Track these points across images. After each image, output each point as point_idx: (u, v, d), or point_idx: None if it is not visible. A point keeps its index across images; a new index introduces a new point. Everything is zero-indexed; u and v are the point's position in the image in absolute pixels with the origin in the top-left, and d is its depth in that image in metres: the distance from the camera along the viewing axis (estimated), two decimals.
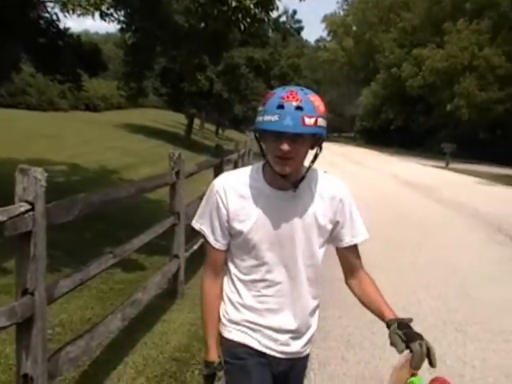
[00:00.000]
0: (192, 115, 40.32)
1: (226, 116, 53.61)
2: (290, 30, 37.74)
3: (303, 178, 2.46)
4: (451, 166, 34.41)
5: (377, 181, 21.29)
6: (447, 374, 5.02)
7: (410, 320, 2.41)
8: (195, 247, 8.04)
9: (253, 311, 2.58)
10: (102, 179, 14.23)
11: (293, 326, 2.58)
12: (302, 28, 43.76)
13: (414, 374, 2.26)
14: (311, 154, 2.46)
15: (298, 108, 2.25)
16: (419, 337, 2.29)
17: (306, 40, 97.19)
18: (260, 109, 2.35)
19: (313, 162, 2.46)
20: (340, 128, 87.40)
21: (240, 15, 8.39)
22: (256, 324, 2.58)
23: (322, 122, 2.31)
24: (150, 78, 35.75)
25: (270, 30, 32.52)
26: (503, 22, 46.87)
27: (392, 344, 2.35)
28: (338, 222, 2.55)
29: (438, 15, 51.17)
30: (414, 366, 2.25)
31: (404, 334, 2.31)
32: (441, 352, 5.57)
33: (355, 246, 2.63)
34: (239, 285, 2.60)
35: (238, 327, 2.60)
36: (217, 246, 2.58)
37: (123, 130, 30.98)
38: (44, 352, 3.46)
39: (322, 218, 2.51)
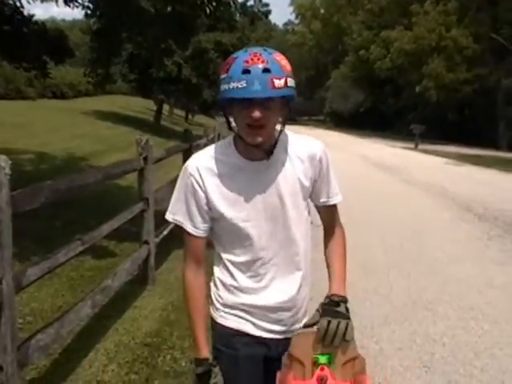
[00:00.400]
0: (161, 101, 40.11)
1: (195, 101, 53.35)
2: (258, 14, 37.61)
3: (276, 143, 2.33)
4: (420, 147, 34.60)
5: (346, 163, 21.34)
6: (417, 352, 5.15)
7: (343, 300, 2.31)
8: (165, 232, 8.02)
9: (249, 293, 2.44)
10: (71, 167, 14.10)
11: (291, 302, 2.46)
12: (269, 11, 43.91)
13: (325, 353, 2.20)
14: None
15: (266, 70, 2.11)
16: (335, 314, 2.21)
17: (275, 24, 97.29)
18: (223, 76, 2.19)
19: (283, 124, 2.34)
20: (309, 111, 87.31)
21: None
22: (252, 306, 2.44)
23: (291, 81, 2.18)
24: (117, 64, 35.43)
25: (238, 14, 32.35)
26: (470, 3, 47.11)
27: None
28: (316, 181, 2.44)
29: None
30: (323, 343, 2.20)
31: (323, 308, 2.25)
32: (411, 331, 5.68)
33: (333, 206, 2.55)
34: (232, 268, 2.46)
35: (234, 311, 2.48)
36: (196, 233, 2.43)
37: (92, 117, 30.70)
38: (13, 341, 3.44)
39: (305, 179, 2.40)
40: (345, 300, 2.32)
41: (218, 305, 2.53)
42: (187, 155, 10.24)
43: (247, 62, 2.13)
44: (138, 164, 6.58)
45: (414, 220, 11.38)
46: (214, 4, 8.42)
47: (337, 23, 67.66)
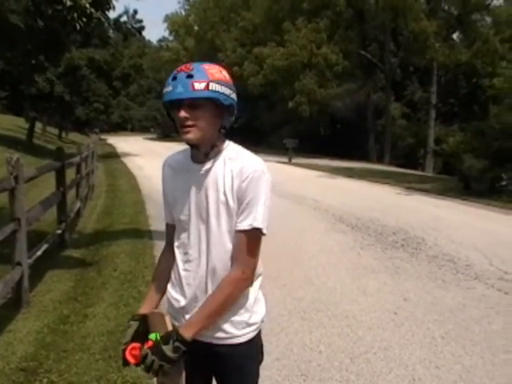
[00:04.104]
0: (33, 119, 39.11)
1: (69, 119, 52.43)
2: (131, 30, 37.23)
3: (213, 149, 2.54)
4: (294, 161, 35.25)
5: None
6: (295, 361, 5.24)
7: (177, 338, 2.42)
8: (39, 253, 7.82)
9: (174, 287, 2.69)
10: None
11: (193, 304, 2.60)
12: (143, 28, 43.33)
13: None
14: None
15: (189, 76, 2.38)
16: (156, 350, 2.40)
17: (149, 40, 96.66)
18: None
19: (219, 131, 2.53)
20: None
21: (75, 14, 8.25)
22: (173, 298, 2.68)
23: (215, 86, 2.41)
24: None
25: (111, 30, 31.93)
26: (340, 21, 48.53)
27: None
28: (238, 200, 2.46)
29: (278, 14, 52.20)
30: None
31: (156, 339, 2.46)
32: (287, 341, 5.78)
33: (240, 234, 2.49)
34: (176, 258, 2.68)
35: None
36: (166, 220, 2.77)
37: None
38: None
39: (229, 195, 2.47)
40: (179, 339, 2.42)
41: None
42: (60, 174, 10.05)
43: (177, 70, 2.44)
44: (8, 184, 6.38)
45: (288, 232, 11.55)
46: (84, 20, 8.30)
47: (211, 40, 67.91)
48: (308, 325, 6.29)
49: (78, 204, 13.02)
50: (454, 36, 51.10)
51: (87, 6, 8.21)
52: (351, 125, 50.98)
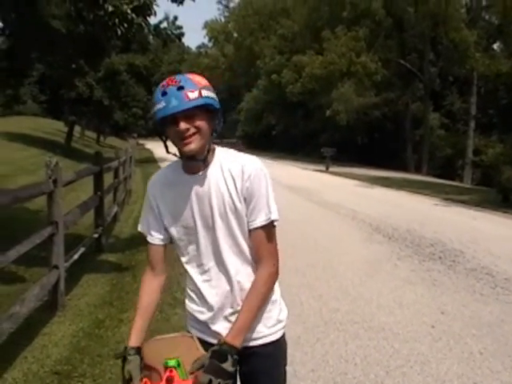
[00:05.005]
0: (72, 123, 39.55)
1: (107, 123, 52.88)
2: (171, 36, 37.43)
3: (208, 153, 2.51)
4: (331, 169, 35.12)
5: None
6: (330, 372, 5.17)
7: (232, 351, 2.37)
8: (75, 257, 7.87)
9: (193, 300, 2.67)
10: None
11: (221, 307, 2.58)
12: (183, 34, 43.55)
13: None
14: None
15: (180, 88, 2.36)
16: (217, 373, 2.28)
17: (188, 46, 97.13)
18: (152, 103, 2.43)
19: (211, 134, 2.50)
20: (222, 134, 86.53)
21: (117, 20, 8.30)
22: (196, 312, 2.65)
23: (206, 92, 2.41)
24: (28, 85, 34.74)
25: (151, 36, 32.17)
26: (379, 30, 48.32)
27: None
28: (245, 200, 2.49)
29: (317, 23, 52.15)
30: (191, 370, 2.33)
31: (209, 361, 2.32)
32: (323, 352, 5.71)
33: (259, 231, 2.53)
34: (188, 274, 2.66)
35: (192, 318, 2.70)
36: (152, 240, 2.67)
37: (0, 138, 29.92)
38: None
39: (235, 196, 2.49)
40: (235, 351, 2.38)
41: (187, 312, 2.73)
42: (98, 178, 10.12)
43: (163, 85, 2.40)
44: (47, 187, 6.43)
45: (324, 241, 11.51)
46: (126, 25, 8.35)
47: (249, 47, 68.13)
48: (344, 336, 6.23)
49: (115, 208, 13.09)
50: (495, 46, 50.61)
51: (128, 11, 8.26)
52: (389, 134, 50.72)
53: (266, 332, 2.60)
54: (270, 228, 2.54)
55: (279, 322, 2.67)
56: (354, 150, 51.13)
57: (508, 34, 46.08)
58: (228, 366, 2.31)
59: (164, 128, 2.47)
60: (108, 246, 10.64)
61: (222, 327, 2.55)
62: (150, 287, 2.71)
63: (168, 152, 2.63)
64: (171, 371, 2.32)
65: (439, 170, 46.43)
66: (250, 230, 2.53)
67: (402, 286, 8.43)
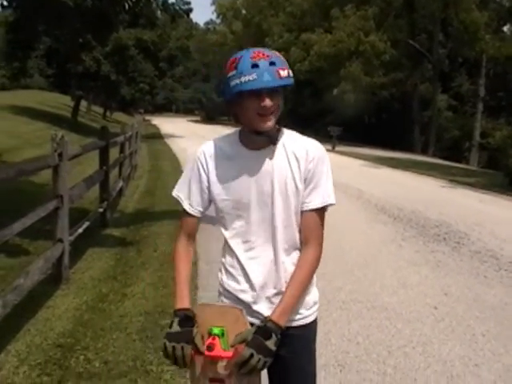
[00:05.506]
0: (79, 97, 39.50)
1: (114, 98, 52.78)
2: (179, 12, 37.13)
3: (279, 132, 2.53)
4: (338, 148, 35.08)
5: None
6: (332, 351, 5.19)
7: (277, 330, 2.36)
8: (80, 231, 7.88)
9: (234, 277, 2.63)
10: None
11: (265, 286, 2.57)
12: (191, 10, 43.17)
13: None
14: None
15: (272, 63, 2.34)
16: (260, 349, 2.27)
17: (196, 22, 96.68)
18: (231, 73, 2.37)
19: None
20: (227, 113, 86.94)
21: None
22: (236, 290, 2.61)
23: (291, 72, 2.42)
24: (35, 58, 34.63)
25: (159, 11, 32.00)
26: (389, 10, 47.96)
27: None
28: (305, 181, 2.51)
29: (327, 1, 51.79)
30: (235, 366, 2.30)
31: (253, 336, 2.30)
32: (325, 330, 5.71)
33: (312, 213, 2.55)
34: (228, 249, 2.64)
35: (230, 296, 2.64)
36: (191, 211, 2.64)
37: (6, 111, 29.85)
38: None
39: (297, 176, 2.50)
40: (279, 330, 2.37)
41: (220, 289, 2.69)
42: (104, 152, 10.11)
43: (253, 57, 2.35)
44: (52, 160, 6.42)
45: (329, 220, 11.45)
46: (134, 0, 8.29)
47: (258, 24, 67.64)
48: (347, 315, 6.24)
49: (121, 183, 13.10)
50: (505, 28, 50.23)
51: None
52: (396, 115, 50.55)
53: (305, 313, 2.62)
54: (323, 212, 2.59)
55: (315, 303, 2.70)
56: (361, 129, 50.99)
57: None
58: (271, 343, 2.31)
59: (238, 99, 2.43)
60: (113, 220, 10.65)
61: (264, 307, 2.55)
62: (188, 256, 2.70)
63: (238, 121, 2.54)
64: (214, 339, 2.33)
65: (446, 151, 46.34)
66: (302, 211, 2.54)
67: (406, 266, 8.43)
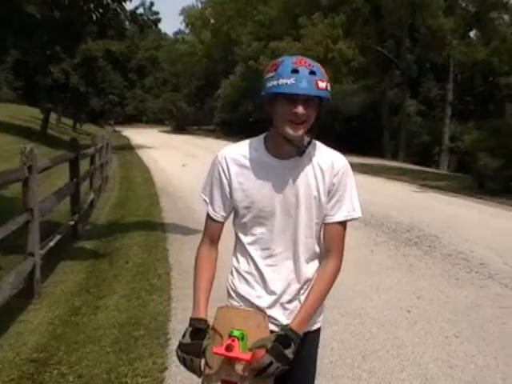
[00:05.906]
0: (48, 109, 39.14)
1: (84, 110, 52.53)
2: (148, 22, 37.12)
3: (309, 144, 2.53)
4: None
5: None
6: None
7: (296, 339, 2.40)
8: (51, 244, 7.83)
9: (250, 284, 2.63)
10: None
11: (281, 295, 2.60)
12: (159, 20, 43.05)
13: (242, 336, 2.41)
14: None
15: (312, 72, 2.35)
16: (279, 357, 2.31)
17: (165, 33, 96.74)
18: (270, 75, 2.40)
19: (312, 130, 2.51)
20: (199, 121, 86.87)
21: (92, 5, 8.23)
22: (253, 297, 2.61)
23: (329, 87, 2.42)
24: (2, 71, 34.38)
25: (127, 22, 31.98)
26: (356, 17, 48.28)
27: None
28: (328, 194, 2.54)
29: (295, 9, 51.95)
30: (254, 371, 2.35)
31: (273, 344, 2.34)
32: None
33: (335, 226, 2.58)
34: (245, 255, 2.64)
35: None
36: (214, 216, 2.64)
37: None
38: None
39: (322, 189, 2.52)
40: (298, 339, 2.42)
41: (231, 292, 2.69)
42: (74, 165, 10.06)
43: (296, 63, 2.37)
44: (22, 174, 6.37)
45: None
46: (101, 11, 8.28)
47: (227, 33, 67.82)
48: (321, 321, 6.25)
49: (92, 195, 13.03)
50: (471, 34, 50.84)
51: None
52: (366, 121, 50.76)
53: (316, 319, 2.68)
54: (345, 225, 2.61)
55: (322, 311, 2.76)
56: (332, 136, 50.92)
57: (485, 21, 46.34)
58: (289, 352, 2.35)
59: (272, 101, 2.44)
60: (84, 233, 10.59)
61: (279, 313, 2.58)
62: (209, 261, 2.67)
63: (270, 123, 2.54)
64: (233, 340, 2.36)
65: (416, 156, 46.61)
66: (325, 224, 2.58)
67: (379, 271, 8.48)
